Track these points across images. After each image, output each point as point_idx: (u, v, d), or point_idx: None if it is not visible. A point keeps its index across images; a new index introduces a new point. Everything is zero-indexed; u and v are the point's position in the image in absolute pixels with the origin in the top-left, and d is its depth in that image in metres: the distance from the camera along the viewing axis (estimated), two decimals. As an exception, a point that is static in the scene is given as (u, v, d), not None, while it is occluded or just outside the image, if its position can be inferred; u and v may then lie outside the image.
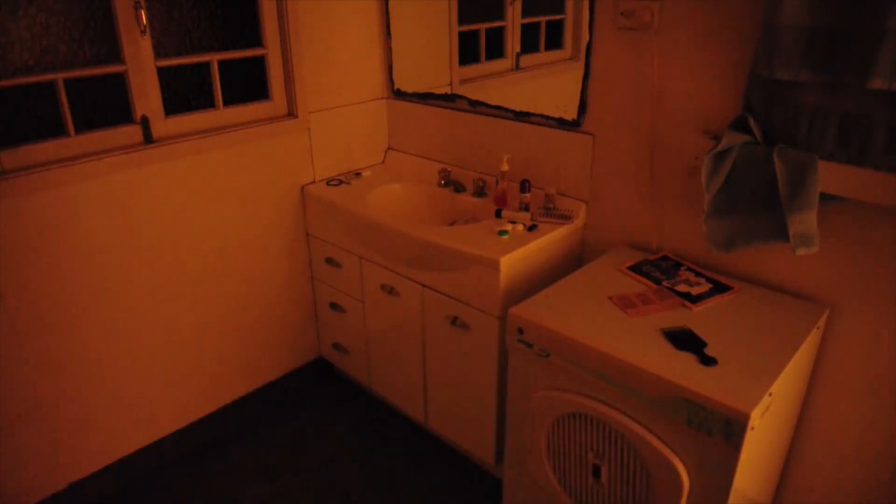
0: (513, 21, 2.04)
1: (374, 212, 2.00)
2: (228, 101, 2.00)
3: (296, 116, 2.12)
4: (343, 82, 2.23)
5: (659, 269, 1.64)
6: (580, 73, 1.76)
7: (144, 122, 1.81)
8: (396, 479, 2.06)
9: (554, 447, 1.49)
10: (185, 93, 1.93)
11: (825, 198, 1.33)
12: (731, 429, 1.14)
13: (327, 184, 2.23)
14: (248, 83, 2.06)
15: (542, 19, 1.98)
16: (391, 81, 2.34)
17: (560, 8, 1.87)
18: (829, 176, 1.30)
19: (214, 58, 1.93)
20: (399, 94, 2.34)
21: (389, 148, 2.46)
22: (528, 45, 2.02)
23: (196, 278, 2.02)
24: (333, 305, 2.30)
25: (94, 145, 1.73)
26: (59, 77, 1.64)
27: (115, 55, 1.75)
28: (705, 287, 1.55)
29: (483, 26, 2.10)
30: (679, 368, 1.24)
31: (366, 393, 2.44)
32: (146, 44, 1.76)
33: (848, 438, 1.54)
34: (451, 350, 1.87)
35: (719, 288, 1.54)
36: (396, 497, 1.99)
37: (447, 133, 2.21)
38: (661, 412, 1.24)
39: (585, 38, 1.72)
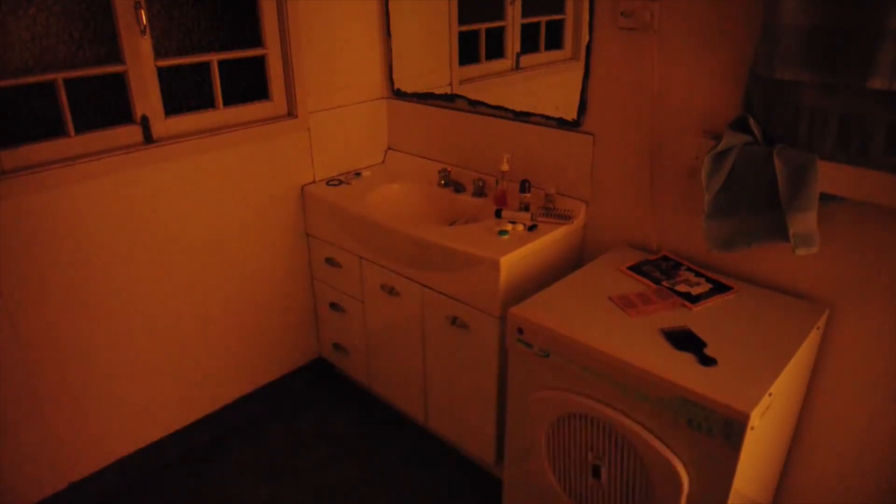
0: (513, 21, 2.04)
1: (374, 212, 2.00)
2: (228, 101, 2.00)
3: (296, 116, 2.12)
4: (343, 82, 2.23)
5: (659, 269, 1.64)
6: (580, 73, 1.76)
7: (144, 122, 1.81)
8: (396, 479, 2.06)
9: (554, 447, 1.49)
10: (185, 93, 1.93)
11: (825, 198, 1.33)
12: (731, 429, 1.14)
13: (327, 184, 2.23)
14: (248, 83, 2.06)
15: (542, 19, 1.98)
16: (391, 81, 2.34)
17: (560, 8, 1.87)
18: (829, 176, 1.30)
19: (214, 58, 1.93)
20: (399, 94, 2.34)
21: (389, 148, 2.46)
22: (528, 45, 2.02)
23: (196, 278, 2.02)
24: (333, 305, 2.30)
25: (94, 145, 1.73)
26: (59, 77, 1.64)
27: (115, 55, 1.75)
28: (705, 287, 1.55)
29: (483, 26, 2.10)
30: (679, 368, 1.24)
31: (366, 393, 2.44)
32: (146, 44, 1.76)
33: (848, 438, 1.54)
34: (451, 350, 1.87)
35: (719, 288, 1.54)
36: (396, 497, 1.99)
37: (447, 133, 2.21)
38: (661, 412, 1.24)
39: (585, 38, 1.72)
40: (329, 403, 2.41)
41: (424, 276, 1.86)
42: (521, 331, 1.46)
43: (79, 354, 1.81)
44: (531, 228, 1.78)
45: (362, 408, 2.38)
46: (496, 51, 2.09)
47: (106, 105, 1.78)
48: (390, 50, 2.29)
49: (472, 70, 2.16)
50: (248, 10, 1.98)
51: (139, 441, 2.04)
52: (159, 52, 1.83)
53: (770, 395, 1.18)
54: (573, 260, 1.91)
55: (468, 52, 2.15)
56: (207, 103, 1.98)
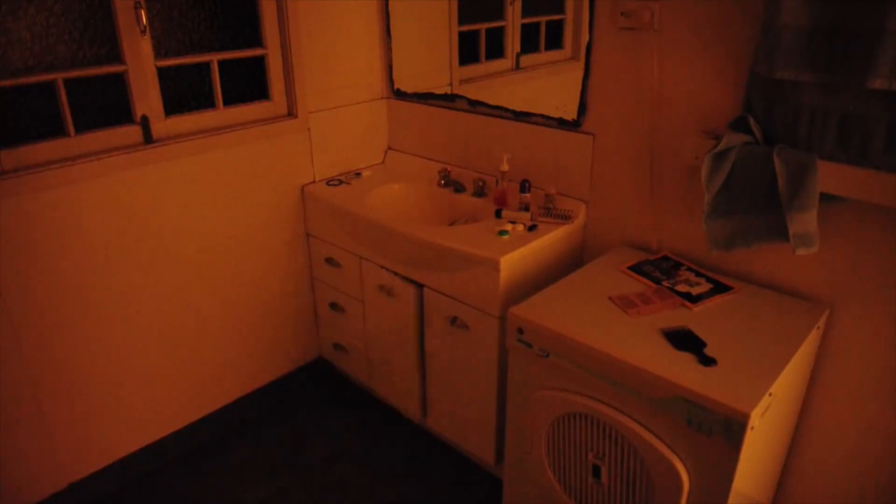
0: (513, 21, 2.04)
1: (374, 212, 2.00)
2: (228, 101, 2.00)
3: (296, 116, 2.12)
4: (343, 82, 2.23)
5: (659, 269, 1.64)
6: (580, 73, 1.76)
7: (144, 122, 1.81)
8: (396, 479, 2.06)
9: (554, 447, 1.49)
10: (185, 93, 1.93)
11: (825, 198, 1.33)
12: (731, 429, 1.14)
13: (327, 184, 2.23)
14: (248, 83, 2.06)
15: (542, 19, 1.98)
16: (391, 81, 2.34)
17: (560, 8, 1.87)
18: (829, 176, 1.30)
19: (214, 58, 1.93)
20: (399, 94, 2.34)
21: (389, 148, 2.46)
22: (528, 45, 2.02)
23: (196, 278, 2.02)
24: (333, 305, 2.30)
25: (94, 145, 1.73)
26: (59, 77, 1.64)
27: (115, 55, 1.75)
28: (705, 287, 1.55)
29: (483, 26, 2.10)
30: (679, 368, 1.24)
31: (366, 393, 2.44)
32: (146, 44, 1.76)
33: (848, 438, 1.54)
34: (451, 350, 1.87)
35: (719, 288, 1.54)
36: (396, 497, 1.99)
37: (447, 133, 2.21)
38: (661, 412, 1.24)
39: (585, 38, 1.72)
40: (329, 403, 2.41)
41: (424, 276, 1.86)
42: (521, 331, 1.46)
43: (79, 354, 1.81)
44: (531, 228, 1.78)
45: (362, 408, 2.38)
46: (496, 51, 2.09)
47: (106, 105, 1.78)
48: (390, 50, 2.29)
49: (472, 70, 2.16)
50: (248, 9, 1.98)
51: (139, 441, 2.04)
52: (159, 52, 1.83)
53: (770, 395, 1.18)
54: (573, 260, 1.91)
55: (468, 52, 2.15)
56: (207, 103, 1.98)
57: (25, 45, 1.62)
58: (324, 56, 2.14)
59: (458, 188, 2.12)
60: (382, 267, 1.99)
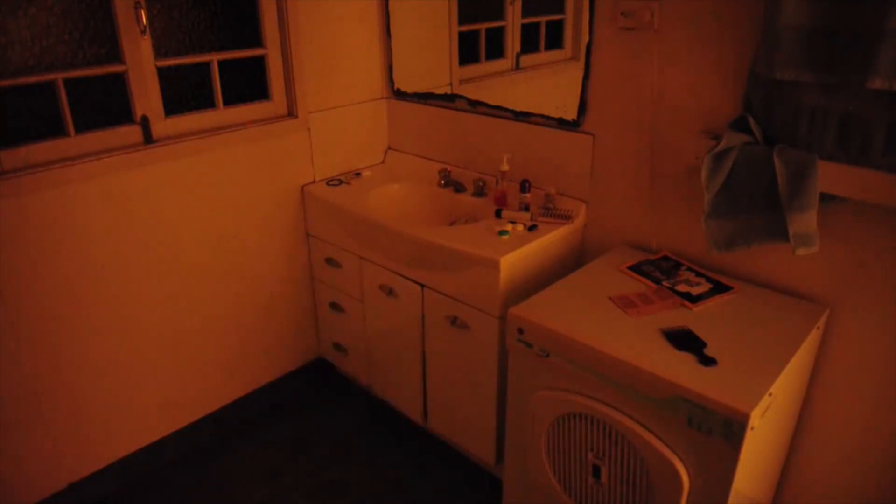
0: (513, 21, 2.04)
1: (374, 212, 2.00)
2: (228, 101, 2.00)
3: (296, 116, 2.12)
4: (343, 82, 2.23)
5: (659, 269, 1.64)
6: (580, 73, 1.76)
7: (144, 122, 1.81)
8: (396, 479, 2.06)
9: (554, 447, 1.49)
10: (185, 93, 1.93)
11: (825, 198, 1.33)
12: (731, 429, 1.14)
13: (327, 184, 2.23)
14: (248, 83, 2.06)
15: (542, 19, 1.98)
16: (391, 81, 2.34)
17: (560, 8, 1.87)
18: (829, 176, 1.30)
19: (214, 58, 1.93)
20: (399, 94, 2.34)
21: (389, 148, 2.46)
22: (528, 45, 2.02)
23: (195, 278, 2.02)
24: (333, 305, 2.30)
25: (94, 145, 1.73)
26: (59, 77, 1.64)
27: (115, 55, 1.75)
28: (705, 287, 1.55)
29: (483, 26, 2.10)
30: (679, 368, 1.24)
31: (366, 393, 2.44)
32: (146, 44, 1.76)
33: (848, 438, 1.54)
34: (451, 350, 1.87)
35: (719, 288, 1.54)
36: (396, 497, 1.99)
37: (447, 133, 2.21)
38: (661, 412, 1.24)
39: (585, 38, 1.72)
40: (329, 403, 2.41)
41: (424, 276, 1.86)
42: (521, 331, 1.46)
43: (79, 354, 1.81)
44: (531, 228, 1.78)
45: (362, 408, 2.38)
46: (496, 51, 2.09)
47: (106, 105, 1.78)
48: (390, 50, 2.29)
49: (473, 70, 2.16)
50: (248, 9, 1.98)
51: (139, 441, 2.04)
52: (159, 52, 1.83)
53: (770, 395, 1.18)
54: (573, 260, 1.91)
55: (468, 52, 2.15)
56: (207, 103, 1.98)
57: (25, 45, 1.62)
58: (324, 56, 2.14)
59: (458, 188, 2.12)
60: (384, 267, 1.99)
